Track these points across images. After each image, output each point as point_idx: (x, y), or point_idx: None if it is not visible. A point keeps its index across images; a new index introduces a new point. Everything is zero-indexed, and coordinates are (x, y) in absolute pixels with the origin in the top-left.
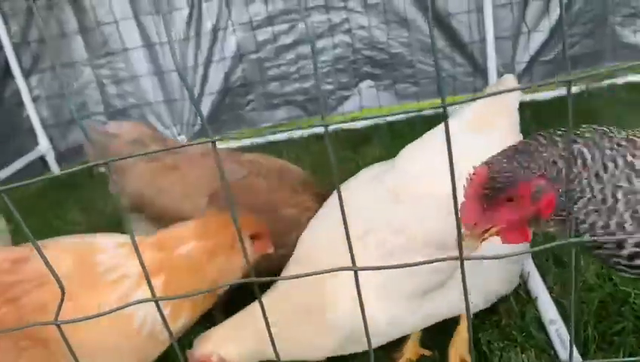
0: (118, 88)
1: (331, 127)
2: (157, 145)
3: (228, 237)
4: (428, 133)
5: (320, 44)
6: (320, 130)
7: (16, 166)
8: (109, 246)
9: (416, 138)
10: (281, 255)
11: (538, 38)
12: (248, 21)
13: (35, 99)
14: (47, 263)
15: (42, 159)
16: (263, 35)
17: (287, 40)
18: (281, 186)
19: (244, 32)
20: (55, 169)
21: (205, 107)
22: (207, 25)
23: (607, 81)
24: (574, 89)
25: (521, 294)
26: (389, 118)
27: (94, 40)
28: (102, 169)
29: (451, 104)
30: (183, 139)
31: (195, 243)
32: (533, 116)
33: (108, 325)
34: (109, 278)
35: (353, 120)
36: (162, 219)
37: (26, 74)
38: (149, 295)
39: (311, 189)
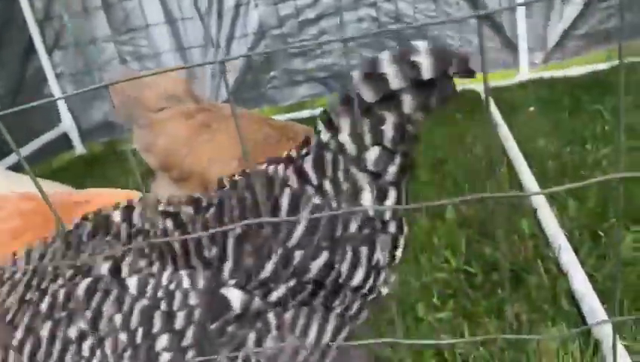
0: (140, 65)
1: None
2: (191, 103)
3: None
4: None
5: (344, 17)
6: None
7: (39, 143)
8: None
9: (444, 114)
10: None
11: (571, 10)
12: None
13: (58, 76)
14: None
15: (65, 136)
16: (286, 9)
17: (310, 14)
18: None
19: (267, 6)
20: (78, 146)
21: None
22: (230, 0)
23: None
24: (608, 63)
25: (552, 268)
26: None
27: (116, 16)
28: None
29: None
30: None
31: None
32: (565, 92)
33: None
34: None
35: None
36: (188, 181)
37: (49, 50)
38: None
39: None
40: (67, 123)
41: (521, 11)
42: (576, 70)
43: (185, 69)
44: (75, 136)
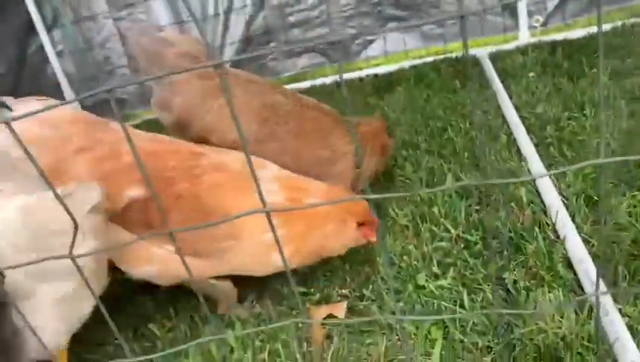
0: None
1: (355, 73)
2: (211, 65)
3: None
4: None
5: None
6: (345, 77)
7: None
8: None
9: (443, 82)
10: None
11: None
12: None
13: (59, 54)
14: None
15: None
16: None
17: None
18: (327, 117)
19: None
20: None
21: (227, 57)
22: None
23: None
24: (609, 25)
25: (549, 234)
26: (415, 62)
27: None
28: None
29: None
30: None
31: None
32: (565, 56)
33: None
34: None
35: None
36: (204, 142)
37: (49, 28)
38: None
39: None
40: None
41: None
42: (576, 33)
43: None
44: None
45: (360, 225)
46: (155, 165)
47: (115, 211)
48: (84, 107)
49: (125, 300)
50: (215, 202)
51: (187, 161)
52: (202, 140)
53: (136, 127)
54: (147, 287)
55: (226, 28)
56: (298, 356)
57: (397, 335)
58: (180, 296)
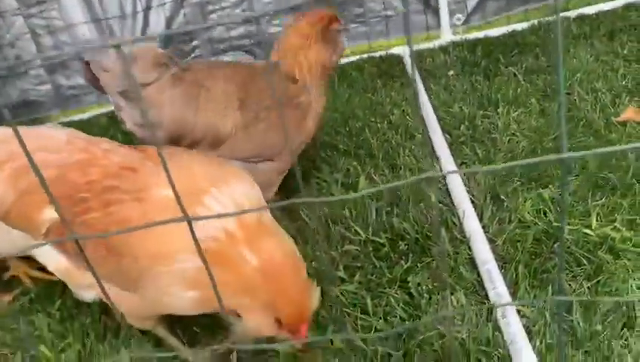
0: (54, 38)
1: None
2: (177, 65)
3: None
4: None
5: None
6: None
7: None
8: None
9: (365, 82)
10: (300, 142)
11: None
12: None
13: None
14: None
15: None
16: None
17: None
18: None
19: None
20: None
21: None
22: None
23: (561, 15)
24: (528, 23)
25: (456, 234)
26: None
27: None
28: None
29: None
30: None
31: None
32: (484, 53)
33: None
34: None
35: None
36: (201, 143)
37: None
38: None
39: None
40: None
41: None
42: (496, 31)
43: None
44: None
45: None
46: (75, 180)
47: (36, 236)
48: None
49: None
50: (122, 243)
51: (108, 180)
52: (198, 144)
53: None
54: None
55: (145, 25)
56: None
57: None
58: (74, 314)
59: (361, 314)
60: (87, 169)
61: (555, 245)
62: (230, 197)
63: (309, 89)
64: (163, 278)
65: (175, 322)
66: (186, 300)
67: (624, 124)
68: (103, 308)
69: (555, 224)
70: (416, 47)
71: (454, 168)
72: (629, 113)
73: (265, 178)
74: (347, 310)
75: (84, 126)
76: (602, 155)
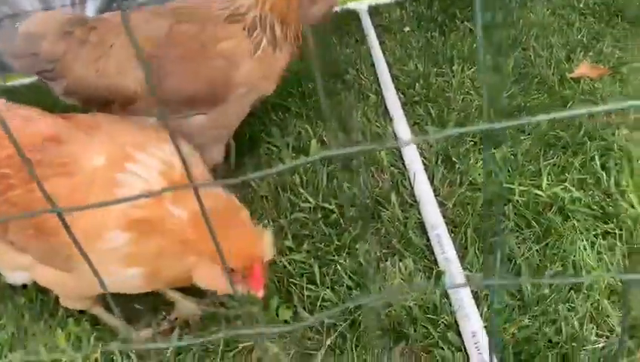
0: None
1: None
2: (82, 29)
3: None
4: None
5: None
6: None
7: None
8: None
9: (320, 39)
10: (239, 94)
11: None
12: None
13: None
14: None
15: None
16: None
17: None
18: (210, 23)
19: None
20: None
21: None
22: None
23: None
24: None
25: (407, 198)
26: None
27: None
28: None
29: None
30: None
31: None
32: (441, 8)
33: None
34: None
35: None
36: (112, 104)
37: None
38: None
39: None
40: None
41: None
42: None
43: None
44: None
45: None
46: None
47: None
48: None
49: None
50: (48, 222)
51: (30, 153)
52: (110, 104)
53: None
54: None
55: None
56: (133, 355)
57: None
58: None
59: (308, 284)
60: (4, 141)
61: (505, 207)
62: (160, 159)
63: (262, 34)
64: (98, 257)
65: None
66: (128, 278)
67: (578, 80)
68: (40, 288)
69: (506, 185)
70: (372, 2)
71: (407, 129)
72: (582, 69)
73: (200, 133)
74: (294, 280)
75: (10, 94)
76: (555, 113)
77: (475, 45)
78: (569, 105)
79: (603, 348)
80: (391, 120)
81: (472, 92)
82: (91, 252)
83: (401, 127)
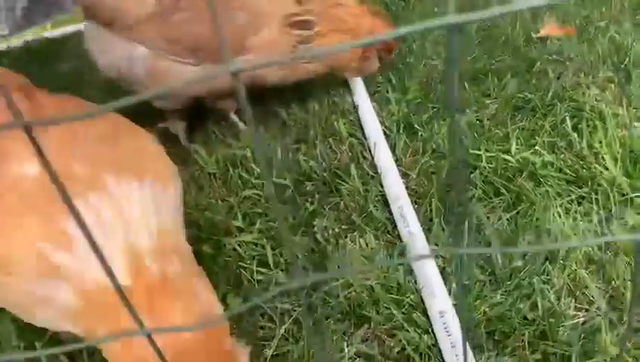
0: None
1: None
2: None
3: None
4: None
5: None
6: None
7: None
8: None
9: None
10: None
11: None
12: None
13: None
14: None
15: None
16: None
17: None
18: None
19: None
20: None
21: None
22: None
23: None
24: None
25: (367, 170)
26: None
27: None
28: None
29: None
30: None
31: None
32: None
33: None
34: None
35: None
36: (114, 25)
37: None
38: None
39: None
40: None
41: None
42: None
43: None
44: None
45: None
46: None
47: None
48: None
49: None
50: None
51: None
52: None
53: None
54: None
55: None
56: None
57: None
58: None
59: (259, 266)
60: None
61: (472, 175)
62: (127, 202)
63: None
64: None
65: None
66: None
67: (544, 40)
68: None
69: (472, 151)
70: None
71: (366, 97)
72: (549, 29)
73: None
74: (244, 264)
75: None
76: (522, 75)
77: (436, 9)
78: (536, 66)
79: (584, 322)
80: (350, 89)
81: (434, 56)
82: None
83: (361, 95)
